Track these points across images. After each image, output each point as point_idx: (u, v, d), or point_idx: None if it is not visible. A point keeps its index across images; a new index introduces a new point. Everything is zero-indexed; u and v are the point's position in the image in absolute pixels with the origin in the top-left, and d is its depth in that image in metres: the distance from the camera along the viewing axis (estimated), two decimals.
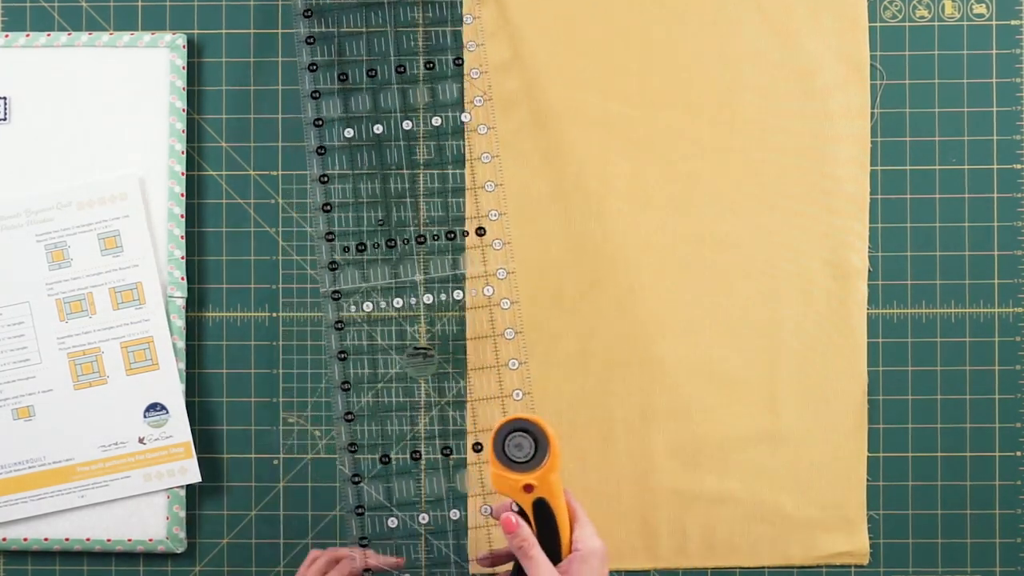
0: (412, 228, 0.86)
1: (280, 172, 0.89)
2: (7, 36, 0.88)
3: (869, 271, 0.88)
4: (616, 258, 0.88)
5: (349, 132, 0.86)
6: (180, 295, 0.87)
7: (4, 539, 0.87)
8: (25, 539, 0.87)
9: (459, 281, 0.87)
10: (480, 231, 0.86)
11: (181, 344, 0.87)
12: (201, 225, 0.89)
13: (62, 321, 0.87)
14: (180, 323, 0.87)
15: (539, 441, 0.75)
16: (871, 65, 0.88)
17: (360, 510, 0.86)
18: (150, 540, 0.87)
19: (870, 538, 0.88)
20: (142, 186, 0.87)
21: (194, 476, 0.87)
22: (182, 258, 0.88)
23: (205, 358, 0.89)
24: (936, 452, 0.88)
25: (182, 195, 0.88)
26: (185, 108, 0.88)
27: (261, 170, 0.89)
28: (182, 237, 0.88)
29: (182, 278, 0.87)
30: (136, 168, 0.87)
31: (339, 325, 0.86)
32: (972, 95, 0.88)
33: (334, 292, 0.86)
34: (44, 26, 0.89)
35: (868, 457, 0.87)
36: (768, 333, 0.87)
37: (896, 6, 0.88)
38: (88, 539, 0.87)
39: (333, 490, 0.89)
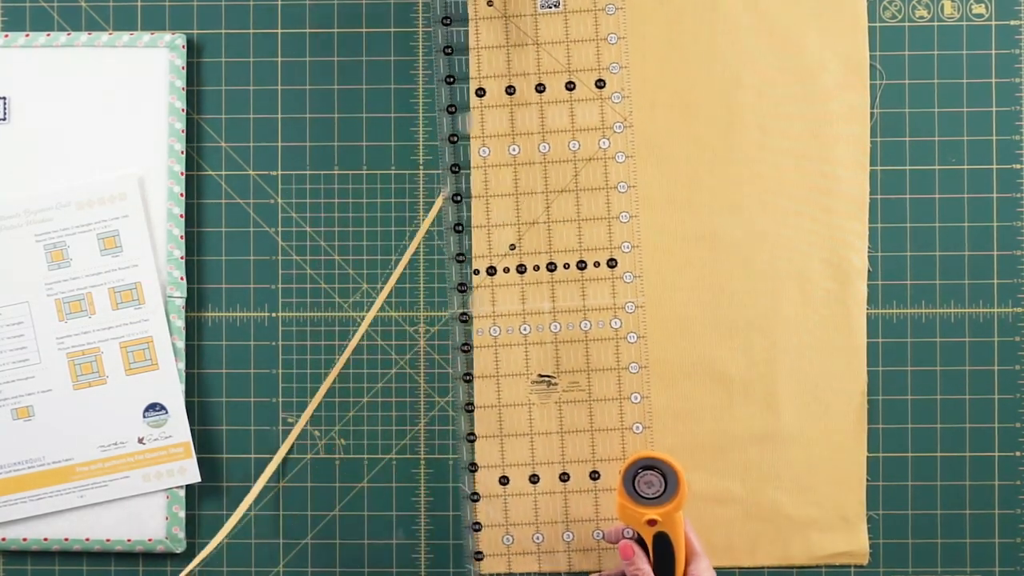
0: (543, 254, 0.83)
1: (280, 172, 0.89)
2: (7, 36, 0.88)
3: (869, 271, 0.88)
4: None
5: (485, 151, 0.84)
6: (180, 295, 0.87)
7: (4, 539, 0.87)
8: (24, 539, 0.87)
9: (586, 311, 0.85)
10: (611, 263, 0.84)
11: (181, 344, 0.87)
12: (201, 225, 0.89)
13: (61, 321, 0.86)
14: (180, 323, 0.87)
15: (668, 479, 0.79)
16: (871, 65, 0.88)
17: (476, 526, 0.86)
18: (149, 540, 0.87)
19: (870, 538, 0.88)
20: (141, 186, 0.87)
21: (193, 476, 0.87)
22: (182, 258, 0.88)
23: (205, 358, 0.89)
24: (936, 452, 0.88)
25: (181, 195, 0.88)
26: (184, 108, 0.88)
27: (261, 170, 0.89)
28: (182, 237, 0.88)
29: (181, 278, 0.87)
30: (136, 168, 0.87)
31: (465, 348, 0.85)
32: (972, 95, 0.88)
33: (462, 314, 0.84)
34: (44, 26, 0.89)
35: (868, 457, 0.87)
36: (768, 333, 0.87)
37: (896, 6, 0.88)
38: (87, 539, 0.87)
39: (332, 490, 0.89)
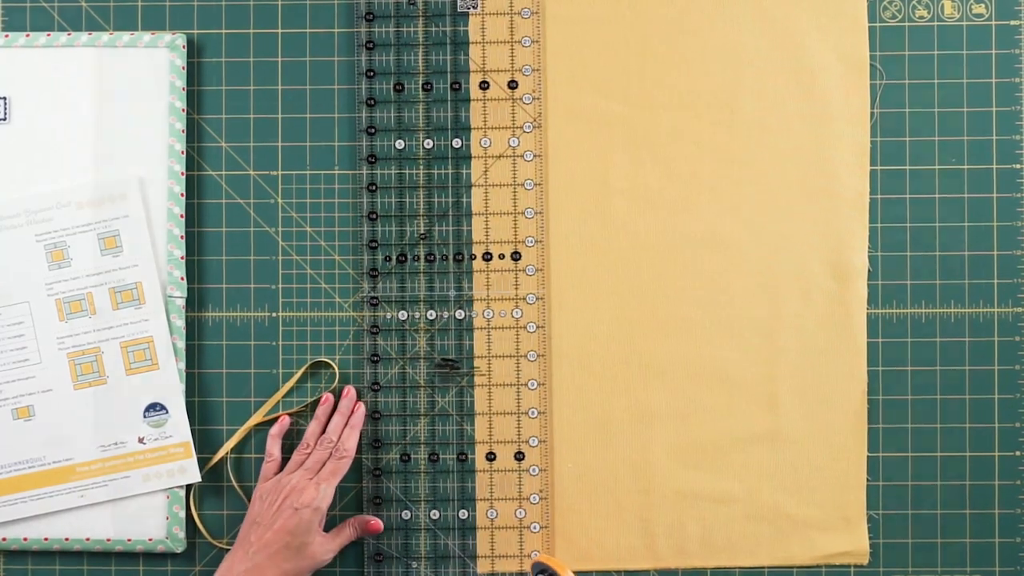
0: (452, 245, 0.88)
1: (280, 172, 0.89)
2: (7, 36, 0.88)
3: (869, 271, 0.88)
4: (616, 258, 0.88)
5: (400, 144, 0.88)
6: (180, 295, 0.87)
7: (4, 539, 0.87)
8: (25, 539, 0.87)
9: (489, 300, 0.88)
10: (515, 255, 0.88)
11: (181, 344, 0.87)
12: (201, 225, 0.89)
13: (62, 321, 0.87)
14: (180, 323, 0.87)
15: None
16: (871, 65, 0.88)
17: (377, 500, 0.88)
18: (150, 540, 0.87)
19: (870, 538, 0.88)
20: (142, 186, 0.87)
21: (194, 476, 0.87)
22: (182, 258, 0.88)
23: (205, 358, 0.89)
24: (936, 452, 0.88)
25: (182, 195, 0.88)
26: (185, 108, 0.88)
27: (261, 170, 0.89)
28: (182, 237, 0.88)
29: (182, 278, 0.87)
30: (136, 168, 0.87)
31: (374, 330, 0.88)
32: (972, 95, 0.88)
33: (372, 298, 0.88)
34: (44, 26, 0.89)
35: (868, 457, 0.87)
36: (768, 333, 0.87)
37: (896, 6, 0.88)
38: (88, 539, 0.87)
39: (334, 490, 0.88)
